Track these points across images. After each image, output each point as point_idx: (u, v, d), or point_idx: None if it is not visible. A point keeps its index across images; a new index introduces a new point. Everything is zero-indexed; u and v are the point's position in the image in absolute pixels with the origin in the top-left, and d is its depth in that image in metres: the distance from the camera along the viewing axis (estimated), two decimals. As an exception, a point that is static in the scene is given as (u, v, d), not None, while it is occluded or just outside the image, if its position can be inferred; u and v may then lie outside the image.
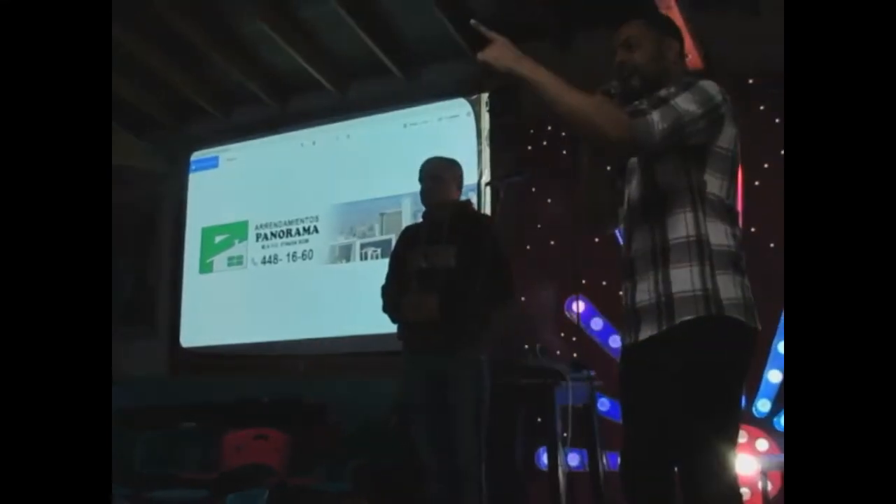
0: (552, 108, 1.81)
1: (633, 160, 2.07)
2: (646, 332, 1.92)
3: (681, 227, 1.90)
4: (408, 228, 3.65)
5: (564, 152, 4.73)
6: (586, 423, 3.87)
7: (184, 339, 6.21)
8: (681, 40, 2.12)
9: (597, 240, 3.86)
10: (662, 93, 1.87)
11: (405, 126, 5.60)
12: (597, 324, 4.39)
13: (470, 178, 5.10)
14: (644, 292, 1.93)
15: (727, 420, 1.88)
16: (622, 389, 2.08)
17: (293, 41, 5.46)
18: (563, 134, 4.83)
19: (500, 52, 1.84)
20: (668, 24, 2.16)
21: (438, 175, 3.39)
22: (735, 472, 1.88)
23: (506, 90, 5.15)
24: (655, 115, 1.80)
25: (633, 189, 2.02)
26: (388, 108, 5.67)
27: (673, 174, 1.91)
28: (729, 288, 1.86)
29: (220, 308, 6.10)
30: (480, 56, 1.86)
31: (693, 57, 4.42)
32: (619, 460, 2.11)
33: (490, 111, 5.24)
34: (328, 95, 5.94)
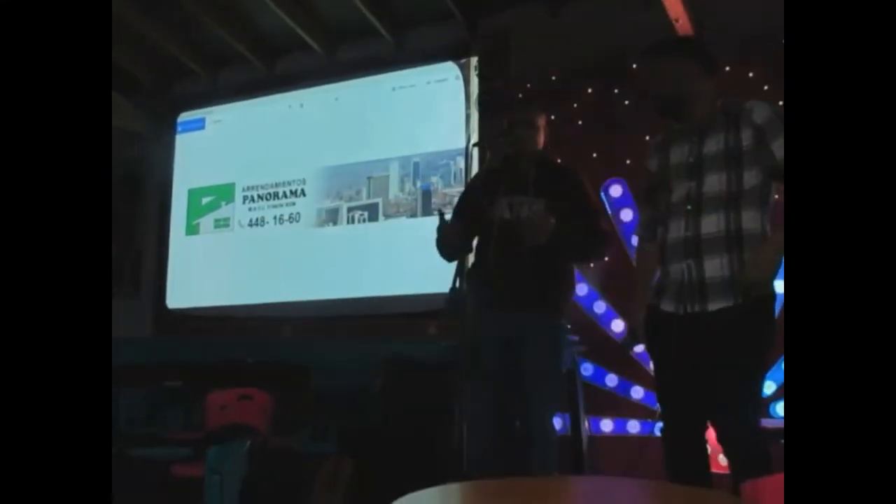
0: None
1: (683, 157, 2.40)
2: (717, 304, 2.26)
3: (754, 220, 2.30)
4: (486, 173, 3.22)
5: (553, 117, 4.73)
6: (570, 387, 3.91)
7: (170, 301, 6.21)
8: (706, 59, 2.43)
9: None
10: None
11: (394, 89, 5.56)
12: (581, 290, 4.41)
13: (458, 141, 5.12)
14: (716, 269, 2.27)
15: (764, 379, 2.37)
16: (676, 350, 2.35)
17: (282, 2, 5.40)
18: (552, 100, 4.84)
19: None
20: (702, 54, 2.45)
21: (534, 121, 3.11)
22: None
23: (495, 54, 5.14)
24: None
25: (708, 184, 2.32)
26: (377, 71, 5.63)
27: (756, 179, 2.29)
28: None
29: (207, 270, 6.09)
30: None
31: (683, 22, 4.40)
32: (664, 415, 2.44)
33: (479, 74, 5.21)
34: (316, 58, 5.89)
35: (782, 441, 2.63)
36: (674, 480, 2.33)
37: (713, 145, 2.33)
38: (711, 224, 2.31)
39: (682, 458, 2.36)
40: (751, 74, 4.19)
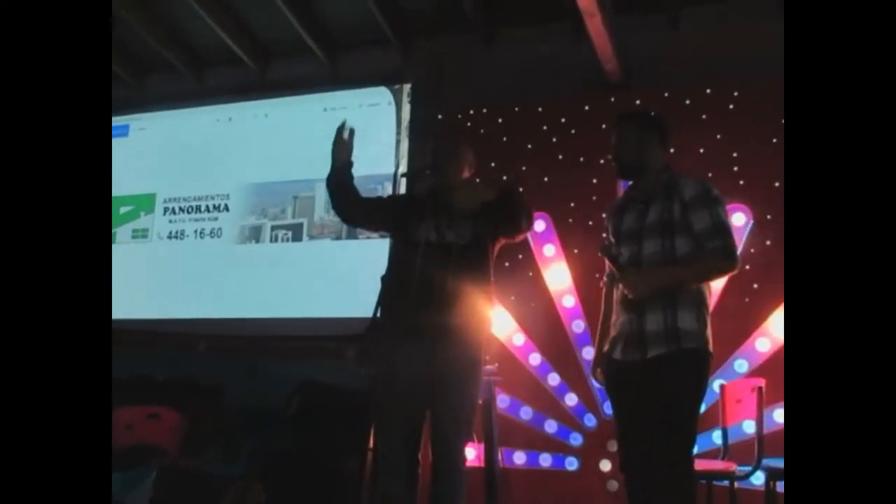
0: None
1: (631, 224, 2.73)
2: (654, 352, 2.56)
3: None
4: (411, 199, 3.33)
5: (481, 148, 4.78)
6: (485, 418, 3.92)
7: (80, 311, 5.99)
8: (662, 134, 2.78)
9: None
10: (719, 220, 2.60)
11: (325, 110, 5.53)
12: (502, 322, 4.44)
13: (387, 167, 5.11)
14: (654, 323, 2.57)
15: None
16: (627, 393, 2.65)
17: (215, 13, 5.33)
18: (482, 131, 4.89)
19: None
20: (652, 122, 2.81)
21: (457, 151, 3.26)
22: None
23: (428, 82, 5.17)
24: (731, 241, 2.61)
25: (647, 249, 2.66)
26: (309, 90, 5.60)
27: (686, 246, 2.63)
28: (708, 327, 2.62)
29: (121, 281, 5.89)
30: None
31: (612, 66, 4.52)
32: (625, 452, 2.66)
33: (412, 101, 5.24)
34: (248, 72, 5.83)
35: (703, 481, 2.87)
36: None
37: (653, 215, 2.68)
38: None
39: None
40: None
